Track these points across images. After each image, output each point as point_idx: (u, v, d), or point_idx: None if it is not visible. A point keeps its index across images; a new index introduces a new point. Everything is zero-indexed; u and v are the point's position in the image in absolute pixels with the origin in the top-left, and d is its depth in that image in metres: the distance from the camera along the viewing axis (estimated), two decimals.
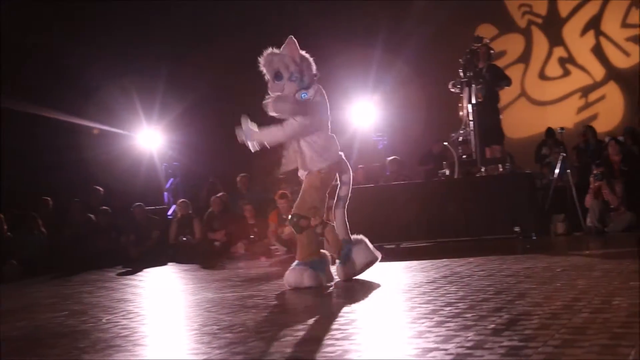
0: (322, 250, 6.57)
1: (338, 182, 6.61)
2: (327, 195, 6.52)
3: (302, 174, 6.46)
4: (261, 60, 6.29)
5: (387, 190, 11.49)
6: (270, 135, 6.33)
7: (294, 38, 6.27)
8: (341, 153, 6.63)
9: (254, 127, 6.34)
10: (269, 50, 6.31)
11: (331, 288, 6.24)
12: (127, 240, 12.54)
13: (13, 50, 15.47)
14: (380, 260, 6.89)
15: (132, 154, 15.86)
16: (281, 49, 6.33)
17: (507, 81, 11.84)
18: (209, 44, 15.41)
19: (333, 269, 6.61)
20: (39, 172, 15.33)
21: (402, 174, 12.57)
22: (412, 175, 12.87)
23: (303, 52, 6.39)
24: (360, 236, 6.79)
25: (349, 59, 14.44)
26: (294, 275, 6.32)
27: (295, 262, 6.42)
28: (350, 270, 6.57)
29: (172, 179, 15.83)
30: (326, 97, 6.51)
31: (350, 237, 6.68)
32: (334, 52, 14.54)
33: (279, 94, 6.23)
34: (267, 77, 6.32)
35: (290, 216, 6.46)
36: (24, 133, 15.80)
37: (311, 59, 6.44)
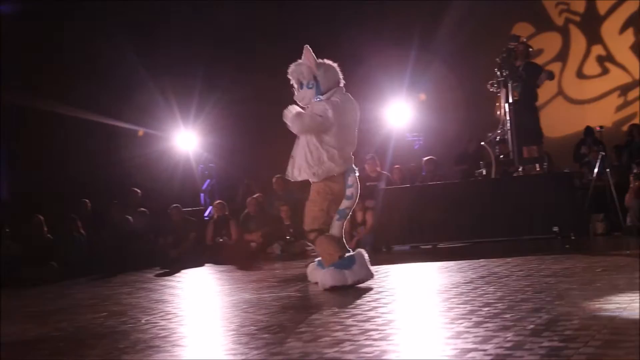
0: (357, 250, 6.58)
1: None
2: (328, 203, 6.50)
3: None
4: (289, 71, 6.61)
5: (423, 190, 11.44)
6: (291, 123, 6.43)
7: (309, 47, 6.49)
8: (355, 168, 6.66)
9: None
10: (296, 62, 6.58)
11: (368, 287, 6.23)
12: (164, 242, 12.63)
13: (52, 53, 15.72)
14: (418, 261, 6.84)
15: (169, 156, 15.99)
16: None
17: (547, 74, 11.60)
18: (246, 47, 15.48)
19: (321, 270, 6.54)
20: (77, 175, 15.54)
21: (438, 174, 12.51)
22: (448, 175, 12.80)
23: (324, 60, 6.59)
24: (359, 253, 6.59)
25: (384, 59, 14.41)
26: (320, 276, 6.45)
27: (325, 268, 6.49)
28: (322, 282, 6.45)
29: (208, 181, 15.92)
30: (352, 101, 6.62)
31: (344, 251, 6.56)
32: (370, 52, 14.53)
33: (295, 111, 6.46)
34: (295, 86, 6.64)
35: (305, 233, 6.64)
36: (62, 135, 16.04)
37: (333, 65, 6.62)
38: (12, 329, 6.06)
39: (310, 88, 6.50)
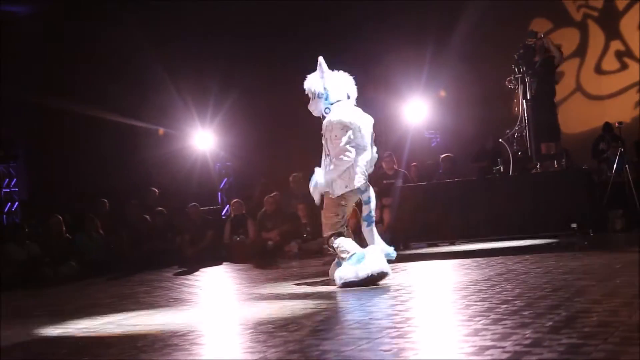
0: (369, 245, 6.61)
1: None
2: (342, 208, 6.66)
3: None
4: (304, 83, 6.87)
5: (440, 188, 11.42)
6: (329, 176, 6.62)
7: (321, 59, 6.73)
8: (364, 177, 6.68)
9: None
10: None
11: (385, 285, 6.22)
12: (182, 240, 12.67)
13: (73, 53, 15.83)
14: (436, 258, 6.84)
15: (186, 155, 16.05)
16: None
17: (558, 58, 11.48)
18: (263, 46, 15.49)
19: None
20: (95, 174, 15.63)
21: (456, 172, 12.47)
22: (465, 173, 12.75)
23: (338, 72, 6.83)
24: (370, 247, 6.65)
25: (402, 57, 14.37)
26: (332, 270, 6.65)
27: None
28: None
29: (225, 180, 15.96)
30: (361, 114, 6.72)
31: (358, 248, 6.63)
32: (387, 50, 14.50)
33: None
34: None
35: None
36: (80, 135, 16.14)
37: (344, 76, 6.83)
38: (31, 328, 6.10)
39: (320, 98, 6.72)
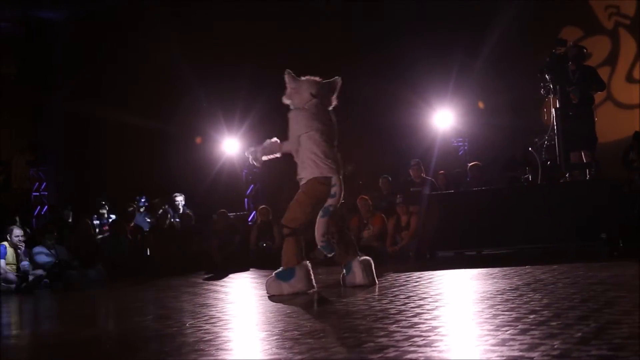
0: (302, 263, 7.04)
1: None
2: (312, 207, 7.02)
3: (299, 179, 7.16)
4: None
5: (467, 196, 11.35)
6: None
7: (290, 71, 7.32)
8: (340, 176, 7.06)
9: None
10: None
11: (412, 293, 6.20)
12: (209, 246, 12.71)
13: (105, 60, 16.00)
14: (462, 267, 6.82)
15: (213, 161, 16.14)
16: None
17: (601, 85, 11.43)
18: (291, 50, 15.52)
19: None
20: (123, 179, 15.76)
21: (483, 180, 12.39)
22: (493, 181, 12.67)
23: (306, 77, 7.28)
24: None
25: (430, 65, 14.33)
26: (267, 282, 7.13)
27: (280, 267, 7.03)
28: (351, 280, 7.22)
29: (252, 186, 16.01)
30: (319, 111, 7.18)
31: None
32: (415, 58, 14.46)
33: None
34: None
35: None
36: (109, 140, 16.29)
37: (309, 81, 7.24)
38: (60, 331, 6.16)
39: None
